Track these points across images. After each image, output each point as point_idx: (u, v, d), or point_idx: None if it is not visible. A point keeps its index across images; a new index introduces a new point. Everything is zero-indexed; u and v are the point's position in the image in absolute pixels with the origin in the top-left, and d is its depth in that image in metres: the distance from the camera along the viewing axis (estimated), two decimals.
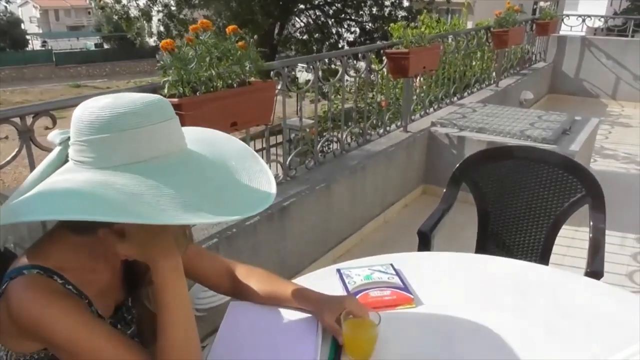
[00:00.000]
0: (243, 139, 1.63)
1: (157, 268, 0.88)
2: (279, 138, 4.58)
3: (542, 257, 1.93)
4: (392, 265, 1.36)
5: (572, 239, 2.89)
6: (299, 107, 7.76)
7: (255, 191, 0.90)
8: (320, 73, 2.82)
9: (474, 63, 5.22)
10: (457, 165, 2.02)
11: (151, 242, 0.87)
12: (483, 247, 2.01)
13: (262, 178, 0.93)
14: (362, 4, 12.83)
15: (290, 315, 1.16)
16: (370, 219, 3.27)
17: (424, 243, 1.82)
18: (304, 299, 1.15)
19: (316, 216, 2.76)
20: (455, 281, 1.34)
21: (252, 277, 1.20)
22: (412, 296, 1.22)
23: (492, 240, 2.02)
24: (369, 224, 3.25)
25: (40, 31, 39.66)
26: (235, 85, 2.02)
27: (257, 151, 1.15)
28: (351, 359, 1.03)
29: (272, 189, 0.92)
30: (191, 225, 1.16)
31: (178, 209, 0.78)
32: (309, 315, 1.15)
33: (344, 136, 3.17)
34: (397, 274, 1.32)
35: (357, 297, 1.21)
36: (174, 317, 0.90)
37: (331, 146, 3.78)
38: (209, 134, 1.04)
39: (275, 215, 2.44)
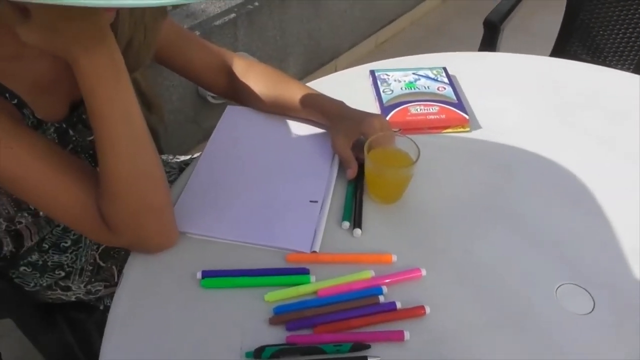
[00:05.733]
0: None
1: (78, 66, 0.58)
2: None
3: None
4: (445, 69, 1.01)
5: None
6: None
7: None
8: None
9: None
10: None
11: (61, 27, 0.56)
12: (563, 44, 1.59)
13: None
14: None
15: (302, 130, 0.89)
16: None
17: (491, 36, 1.43)
18: (317, 108, 0.86)
19: None
20: (526, 96, 1.00)
21: (250, 74, 0.90)
22: (466, 116, 0.91)
23: (577, 35, 1.57)
24: (423, 2, 2.74)
25: None
26: None
27: None
28: (374, 200, 0.78)
29: None
30: None
31: None
32: (325, 131, 0.88)
33: None
34: (451, 83, 0.98)
35: (393, 112, 0.91)
36: (113, 140, 0.62)
37: None
38: None
39: None
